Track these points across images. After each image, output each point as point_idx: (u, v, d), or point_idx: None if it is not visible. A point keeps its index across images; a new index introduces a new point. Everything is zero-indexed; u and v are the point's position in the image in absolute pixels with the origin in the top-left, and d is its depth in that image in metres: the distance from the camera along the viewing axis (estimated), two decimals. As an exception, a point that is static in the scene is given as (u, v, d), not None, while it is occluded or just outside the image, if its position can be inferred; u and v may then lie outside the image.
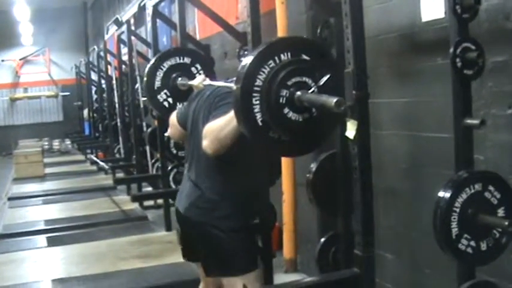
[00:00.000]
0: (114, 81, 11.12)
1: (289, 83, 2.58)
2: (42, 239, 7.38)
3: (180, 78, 4.68)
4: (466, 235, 2.79)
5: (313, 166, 3.56)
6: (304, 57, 2.64)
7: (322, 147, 3.68)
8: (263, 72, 2.56)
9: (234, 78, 2.86)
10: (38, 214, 9.02)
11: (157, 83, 4.77)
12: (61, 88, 21.97)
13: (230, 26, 5.85)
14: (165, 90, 4.75)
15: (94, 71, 15.02)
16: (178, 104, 4.57)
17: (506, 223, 2.74)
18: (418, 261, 4.09)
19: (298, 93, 2.56)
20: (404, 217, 4.22)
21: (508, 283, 3.22)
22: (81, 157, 16.33)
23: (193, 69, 4.84)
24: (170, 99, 4.74)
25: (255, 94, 2.56)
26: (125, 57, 10.21)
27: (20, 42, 21.49)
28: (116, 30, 10.14)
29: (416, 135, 4.02)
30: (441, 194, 2.79)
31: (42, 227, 8.07)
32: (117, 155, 11.54)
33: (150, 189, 9.24)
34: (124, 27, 9.39)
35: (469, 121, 2.86)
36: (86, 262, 6.23)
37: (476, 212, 2.80)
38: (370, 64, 3.00)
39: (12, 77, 21.83)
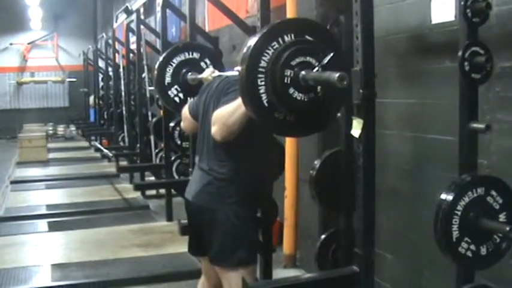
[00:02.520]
0: (121, 70, 11.13)
1: (293, 63, 2.60)
2: (43, 224, 7.42)
3: (189, 73, 4.69)
4: (466, 239, 2.78)
5: (317, 163, 3.56)
6: (308, 37, 2.67)
7: (327, 144, 3.69)
8: (267, 53, 2.59)
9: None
10: (40, 199, 9.07)
11: (168, 79, 4.79)
12: (68, 74, 21.99)
13: (240, 20, 5.85)
14: (176, 86, 4.78)
15: (102, 58, 15.04)
16: (189, 98, 4.59)
17: (508, 228, 2.73)
18: (417, 263, 4.09)
19: (303, 72, 2.59)
20: (405, 218, 4.22)
21: (506, 288, 3.23)
22: (85, 143, 16.38)
23: (202, 64, 4.86)
24: (181, 94, 4.77)
25: (260, 75, 2.59)
26: (133, 46, 10.22)
27: (28, 27, 21.51)
28: (126, 18, 10.13)
29: (421, 137, 4.02)
30: (443, 196, 2.78)
31: (44, 211, 8.12)
32: (121, 143, 11.56)
33: (152, 178, 9.26)
34: (133, 16, 9.39)
35: (474, 125, 2.86)
36: (86, 248, 6.26)
37: (478, 216, 2.79)
38: (378, 64, 2.99)
39: (20, 60, 21.85)
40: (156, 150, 8.73)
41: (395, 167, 4.25)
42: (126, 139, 10.92)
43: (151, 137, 8.69)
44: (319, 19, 4.40)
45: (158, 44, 9.09)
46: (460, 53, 2.82)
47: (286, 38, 2.62)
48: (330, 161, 3.54)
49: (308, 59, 2.63)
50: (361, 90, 2.83)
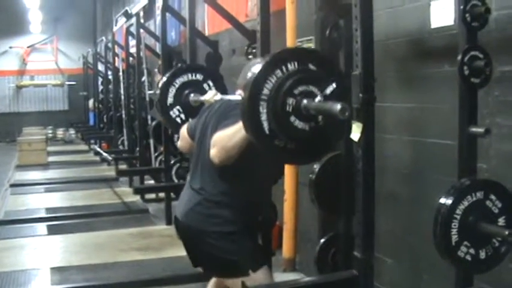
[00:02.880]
0: (120, 73, 11.14)
1: (296, 91, 2.60)
2: (42, 227, 7.43)
3: (192, 95, 4.72)
4: (465, 242, 2.79)
5: (317, 167, 3.56)
6: (311, 67, 2.67)
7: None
8: (270, 81, 2.60)
9: (241, 92, 3.05)
10: (40, 202, 9.08)
11: (170, 99, 4.80)
12: (67, 77, 21.96)
13: (239, 23, 5.86)
14: (178, 107, 4.79)
15: (101, 61, 15.05)
16: (190, 119, 4.64)
17: (507, 232, 2.74)
18: (416, 267, 4.09)
19: (305, 101, 2.59)
20: (405, 222, 4.23)
21: (505, 292, 3.23)
22: (84, 147, 16.39)
23: (205, 85, 4.87)
24: (183, 115, 4.78)
25: (262, 102, 2.59)
26: (133, 50, 10.24)
27: (28, 30, 21.50)
28: (125, 22, 10.15)
29: (420, 141, 4.03)
30: (442, 200, 2.79)
31: (43, 215, 8.13)
32: (121, 147, 11.56)
33: (152, 182, 9.26)
34: (133, 20, 9.41)
35: (473, 129, 2.87)
36: (86, 252, 6.27)
37: (477, 220, 2.79)
38: (378, 68, 3.00)
39: (19, 64, 21.83)
40: (156, 154, 8.74)
41: (395, 171, 4.25)
42: (126, 143, 10.92)
43: (151, 141, 8.70)
44: (318, 23, 4.41)
45: (158, 48, 9.10)
46: (459, 57, 2.83)
47: (289, 67, 2.63)
48: (329, 165, 3.54)
49: (310, 88, 2.63)
50: (360, 95, 2.85)
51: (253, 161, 3.05)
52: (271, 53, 2.84)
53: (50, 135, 19.09)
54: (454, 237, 2.77)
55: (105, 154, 10.87)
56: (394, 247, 4.35)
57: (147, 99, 9.10)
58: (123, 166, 10.68)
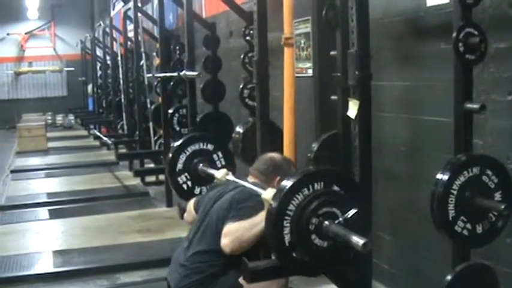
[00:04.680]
0: (119, 58, 11.13)
1: (320, 212, 2.71)
2: (44, 212, 7.46)
3: (201, 164, 4.77)
4: (462, 217, 2.82)
5: (315, 146, 3.59)
6: (335, 187, 2.78)
7: (324, 127, 3.71)
8: (297, 198, 2.71)
9: (256, 181, 3.38)
10: (41, 187, 9.11)
11: (180, 165, 4.86)
12: (66, 63, 21.93)
13: (237, 5, 5.87)
14: (186, 173, 4.85)
15: (99, 46, 15.01)
16: (196, 187, 4.79)
17: (503, 207, 2.78)
18: (415, 243, 4.13)
19: (326, 222, 2.70)
20: (402, 199, 4.26)
21: (502, 266, 3.26)
22: (84, 132, 16.38)
23: (214, 156, 4.95)
24: (189, 182, 4.84)
25: (287, 217, 2.70)
26: (131, 34, 10.21)
27: (25, 16, 21.47)
28: (123, 6, 10.14)
29: (417, 119, 4.05)
30: (439, 176, 2.82)
31: (44, 199, 8.15)
32: (120, 131, 11.57)
33: (152, 166, 9.28)
34: (131, 4, 9.39)
35: (469, 105, 2.89)
36: (87, 235, 6.30)
37: (473, 195, 2.83)
38: (374, 47, 3.03)
39: (17, 51, 21.80)
40: (155, 137, 8.76)
41: (392, 149, 4.28)
42: (125, 127, 10.93)
43: (150, 124, 8.71)
44: (315, 3, 4.42)
45: (156, 31, 9.12)
46: (454, 34, 2.85)
47: (316, 186, 2.74)
48: (327, 143, 3.57)
49: (333, 209, 2.73)
50: (356, 72, 2.87)
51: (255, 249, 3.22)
52: (301, 171, 2.93)
53: (50, 121, 19.09)
54: (451, 212, 2.81)
55: (105, 138, 10.91)
56: (393, 224, 4.38)
57: (146, 83, 9.11)
58: (122, 150, 10.69)
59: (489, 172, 2.87)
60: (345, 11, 3.12)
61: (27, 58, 21.98)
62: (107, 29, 13.30)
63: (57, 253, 5.71)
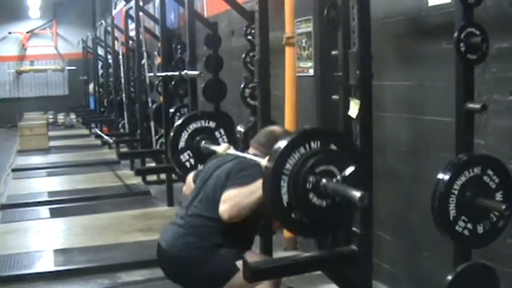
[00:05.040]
0: (120, 57, 11.12)
1: (317, 170, 2.69)
2: (45, 210, 7.46)
3: (203, 142, 4.78)
4: (463, 217, 2.82)
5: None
6: (333, 146, 2.77)
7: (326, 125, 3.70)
8: (293, 157, 2.69)
9: (256, 152, 3.34)
10: (42, 186, 9.11)
11: (182, 143, 4.86)
12: (67, 62, 21.92)
13: (238, 4, 5.87)
14: (188, 151, 4.86)
15: (101, 45, 15.02)
16: (199, 165, 4.73)
17: (504, 207, 2.77)
18: (416, 243, 4.13)
19: (324, 181, 2.68)
20: (404, 199, 4.26)
21: (503, 266, 3.26)
22: (85, 131, 16.39)
23: (217, 133, 4.98)
24: (192, 160, 4.85)
25: (284, 176, 2.68)
26: (132, 33, 10.22)
27: (27, 15, 21.47)
28: (124, 5, 10.13)
29: (418, 118, 4.05)
30: (440, 176, 2.82)
31: (45, 198, 8.15)
32: (122, 130, 11.57)
33: (153, 165, 9.28)
34: (132, 3, 9.38)
35: (470, 105, 2.89)
36: (88, 234, 6.30)
37: (475, 195, 2.82)
38: (375, 47, 3.02)
39: (19, 49, 21.80)
40: (157, 136, 8.75)
41: (394, 149, 4.28)
42: (127, 126, 10.94)
43: (152, 123, 8.71)
44: (316, 2, 4.42)
45: (157, 31, 9.11)
46: (455, 34, 2.85)
47: (312, 145, 2.72)
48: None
49: (330, 167, 2.72)
50: (358, 72, 2.87)
51: (253, 217, 3.19)
52: (297, 130, 2.93)
53: (51, 120, 19.10)
54: (452, 212, 2.81)
55: (106, 137, 10.90)
56: (394, 224, 4.38)
57: (147, 82, 9.11)
58: (124, 149, 10.69)
59: (490, 172, 2.87)
60: (346, 11, 3.12)
61: (28, 57, 21.97)
62: (109, 28, 13.30)
63: (58, 252, 5.71)
